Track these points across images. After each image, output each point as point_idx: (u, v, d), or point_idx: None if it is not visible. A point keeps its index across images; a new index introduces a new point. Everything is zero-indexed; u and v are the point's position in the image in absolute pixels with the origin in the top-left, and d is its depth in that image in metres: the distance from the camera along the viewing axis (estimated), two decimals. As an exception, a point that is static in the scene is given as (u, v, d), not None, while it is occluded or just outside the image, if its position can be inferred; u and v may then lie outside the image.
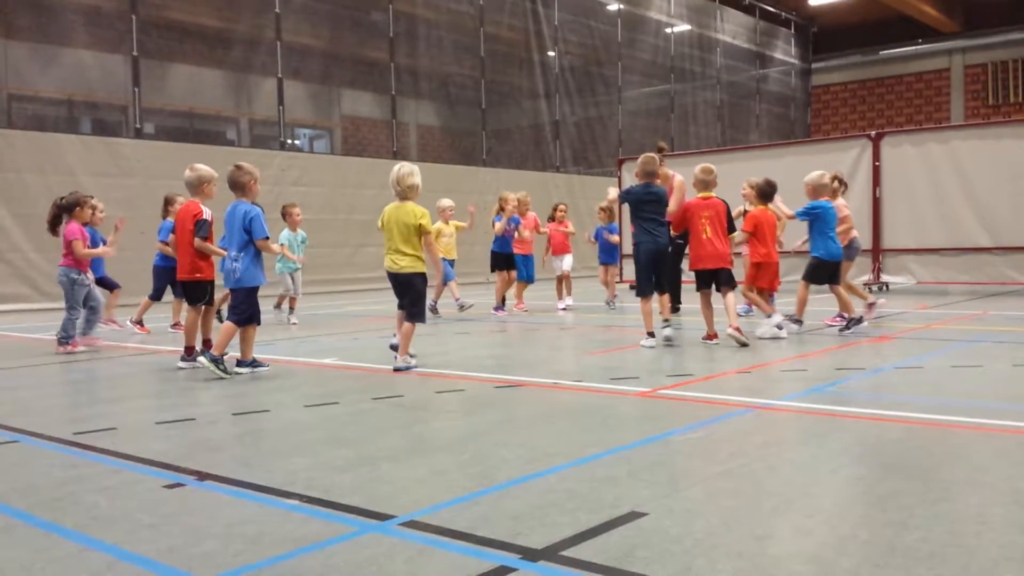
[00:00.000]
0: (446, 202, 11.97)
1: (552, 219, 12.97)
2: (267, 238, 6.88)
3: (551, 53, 23.10)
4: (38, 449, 4.45)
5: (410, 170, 6.82)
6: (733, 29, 29.83)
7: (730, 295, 8.03)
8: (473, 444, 4.26)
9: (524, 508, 3.20)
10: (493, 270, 12.19)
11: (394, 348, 6.96)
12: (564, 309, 12.12)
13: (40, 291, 13.84)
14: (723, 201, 8.21)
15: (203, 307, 7.31)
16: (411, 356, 6.84)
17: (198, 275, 7.17)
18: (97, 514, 3.29)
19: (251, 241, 6.79)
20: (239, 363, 6.78)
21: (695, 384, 5.87)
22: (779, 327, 8.16)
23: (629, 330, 9.79)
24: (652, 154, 8.19)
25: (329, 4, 18.70)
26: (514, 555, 2.74)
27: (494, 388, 5.87)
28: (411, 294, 6.79)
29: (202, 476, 3.79)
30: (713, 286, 8.09)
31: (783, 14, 31.97)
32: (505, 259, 11.95)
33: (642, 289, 7.98)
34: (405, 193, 6.77)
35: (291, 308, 11.18)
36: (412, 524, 3.06)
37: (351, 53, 19.64)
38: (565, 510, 3.16)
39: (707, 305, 8.06)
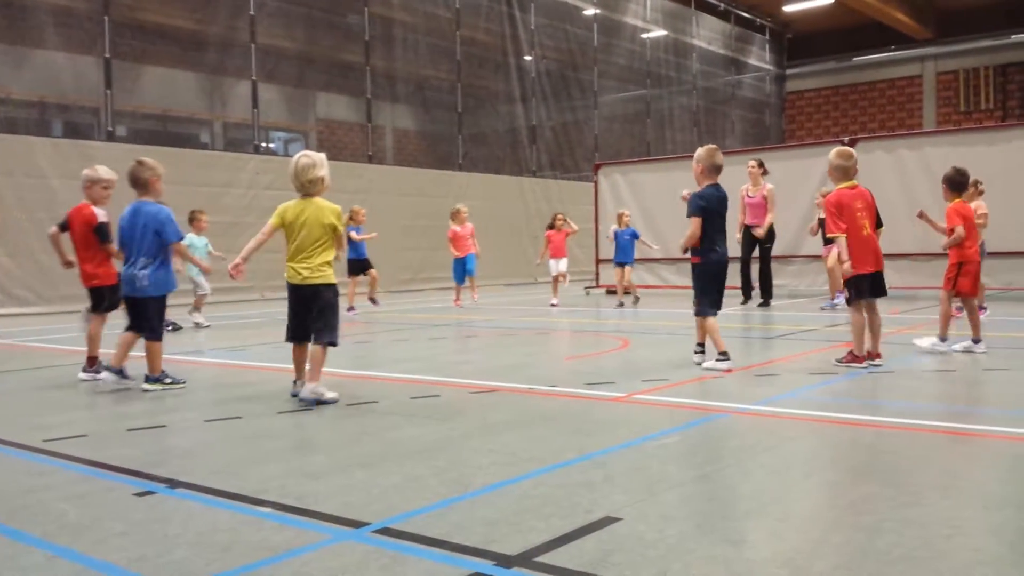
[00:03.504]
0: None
1: (552, 227, 14.31)
2: (182, 239, 6.47)
3: (527, 57, 23.13)
4: (3, 456, 4.38)
5: (311, 161, 5.65)
6: (708, 35, 30.02)
7: (877, 310, 6.83)
8: (448, 450, 4.24)
9: (499, 514, 3.19)
10: (350, 275, 13.09)
11: (298, 397, 5.63)
12: (555, 305, 13.46)
13: (10, 295, 13.64)
14: (869, 191, 7.03)
15: (104, 314, 6.84)
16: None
17: (95, 282, 6.76)
18: (65, 522, 3.24)
19: (162, 245, 6.25)
20: (148, 379, 6.26)
21: (671, 389, 5.89)
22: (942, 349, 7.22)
23: (605, 335, 9.81)
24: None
25: (304, 6, 18.61)
26: (488, 561, 2.73)
27: (469, 394, 5.86)
28: (322, 310, 5.62)
29: (173, 484, 3.74)
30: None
31: (758, 20, 32.23)
32: (360, 264, 13.13)
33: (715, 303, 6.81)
34: (307, 188, 5.63)
35: (197, 307, 11.40)
36: (386, 531, 3.04)
37: (326, 56, 19.56)
38: (540, 516, 3.16)
39: (864, 319, 6.69)
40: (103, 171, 6.88)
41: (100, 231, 6.71)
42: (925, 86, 32.15)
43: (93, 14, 15.36)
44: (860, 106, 33.69)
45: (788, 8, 30.84)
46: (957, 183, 7.49)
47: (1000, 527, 3.04)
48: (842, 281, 6.99)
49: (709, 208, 6.66)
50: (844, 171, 6.90)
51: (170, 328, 10.64)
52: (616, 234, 13.55)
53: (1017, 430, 4.54)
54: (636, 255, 13.81)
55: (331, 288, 5.67)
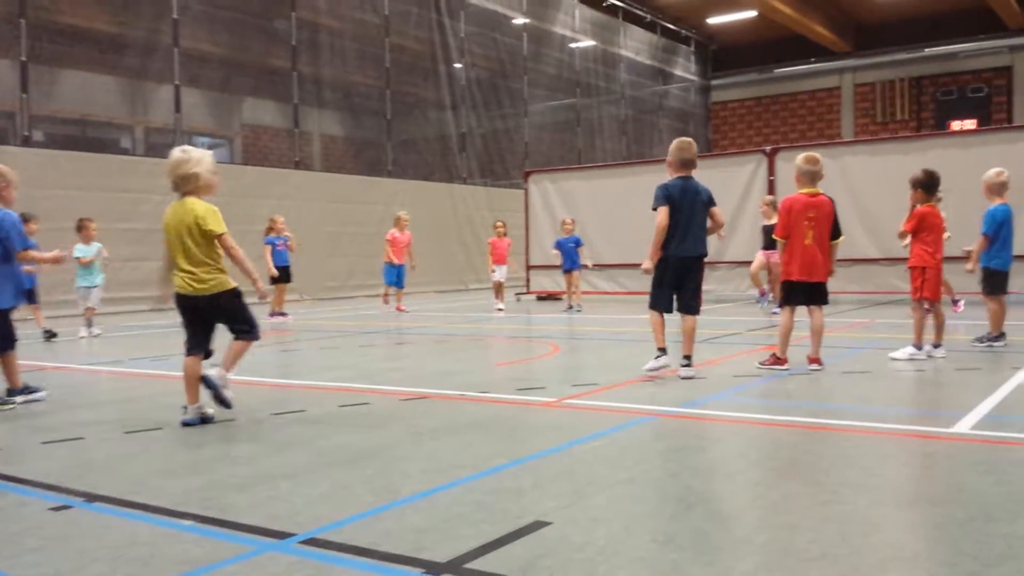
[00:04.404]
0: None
1: (496, 235, 14.65)
2: (30, 247, 6.08)
3: (457, 65, 23.13)
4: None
5: (186, 156, 5.15)
6: (636, 45, 30.47)
7: (820, 317, 6.88)
8: (377, 458, 4.20)
9: (429, 521, 3.17)
10: (273, 282, 13.23)
11: (195, 423, 5.14)
12: (501, 310, 13.95)
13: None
14: (831, 200, 6.92)
15: None
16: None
17: None
18: (-26, 541, 3.11)
19: (6, 254, 5.85)
20: (10, 392, 5.91)
21: (600, 393, 5.94)
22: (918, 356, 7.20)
23: (537, 341, 9.85)
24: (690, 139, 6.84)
25: (229, 11, 18.28)
26: (417, 569, 2.71)
27: (400, 401, 5.81)
28: (229, 316, 5.26)
29: (91, 497, 3.63)
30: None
31: (683, 32, 32.82)
32: (282, 272, 13.40)
33: (663, 299, 6.69)
34: (180, 185, 5.14)
35: (88, 320, 11.34)
36: (312, 542, 2.99)
37: (252, 61, 19.23)
38: (470, 522, 3.14)
39: (790, 324, 6.84)
40: None
41: None
42: (843, 97, 33.16)
43: (9, 16, 14.84)
44: (782, 116, 34.56)
45: (712, 20, 31.52)
46: (927, 184, 7.34)
47: (915, 524, 3.14)
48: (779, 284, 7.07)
49: (672, 197, 6.47)
50: (811, 176, 6.88)
51: (46, 338, 10.48)
52: (560, 242, 14.06)
53: (929, 428, 4.71)
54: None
55: (230, 293, 5.20)
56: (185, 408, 5.20)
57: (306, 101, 19.81)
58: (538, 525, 3.09)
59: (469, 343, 9.72)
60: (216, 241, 5.13)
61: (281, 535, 3.07)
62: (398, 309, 14.26)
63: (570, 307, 13.99)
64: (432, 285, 20.87)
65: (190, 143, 20.52)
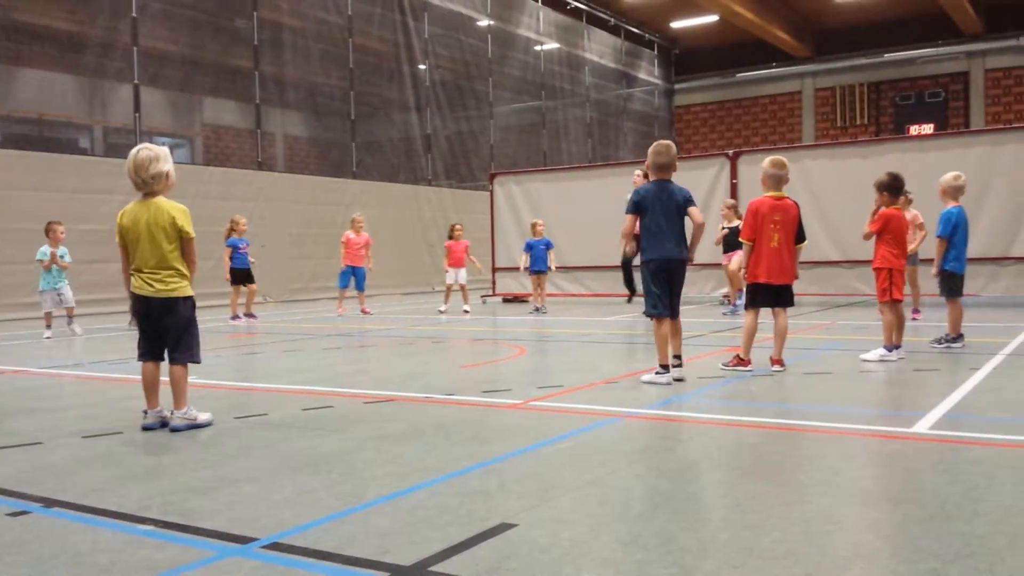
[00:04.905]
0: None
1: (451, 237, 14.63)
2: None
3: (422, 66, 23.07)
4: None
5: (153, 153, 5.03)
6: (600, 49, 30.61)
7: (784, 319, 7.00)
8: (341, 462, 4.17)
9: (393, 525, 3.15)
10: (233, 284, 13.39)
11: (154, 428, 5.05)
12: (443, 312, 14.03)
13: None
14: (796, 204, 7.08)
15: None
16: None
17: None
18: (-73, 549, 3.04)
19: None
20: None
21: (566, 395, 5.95)
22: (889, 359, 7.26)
23: (503, 343, 9.85)
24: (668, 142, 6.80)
25: (189, 9, 18.06)
26: (382, 573, 2.69)
27: (364, 404, 5.78)
28: (179, 325, 5.07)
29: (49, 503, 3.56)
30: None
31: (647, 36, 33.05)
32: (242, 274, 13.42)
33: (660, 304, 6.53)
34: (149, 185, 5.04)
35: (70, 318, 11.42)
36: (275, 546, 2.96)
37: (213, 60, 19.01)
38: (435, 525, 3.13)
39: (755, 326, 6.93)
40: None
41: None
42: (804, 102, 33.60)
43: (-37, 14, 14.56)
44: (744, 120, 34.94)
45: (675, 24, 31.77)
46: (892, 187, 7.46)
47: (876, 522, 3.18)
48: (744, 286, 7.14)
49: (644, 204, 6.43)
50: (777, 180, 6.97)
51: None
52: (531, 243, 14.22)
53: (890, 429, 4.78)
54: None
55: (187, 301, 5.09)
56: (145, 412, 5.12)
57: (269, 101, 19.63)
58: (504, 527, 3.09)
59: (434, 345, 9.69)
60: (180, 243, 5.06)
61: (244, 540, 3.03)
62: (363, 312, 14.13)
63: (536, 309, 14.03)
64: (398, 287, 20.79)
65: (151, 143, 20.30)
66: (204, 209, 16.60)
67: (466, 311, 14.05)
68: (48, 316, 11.24)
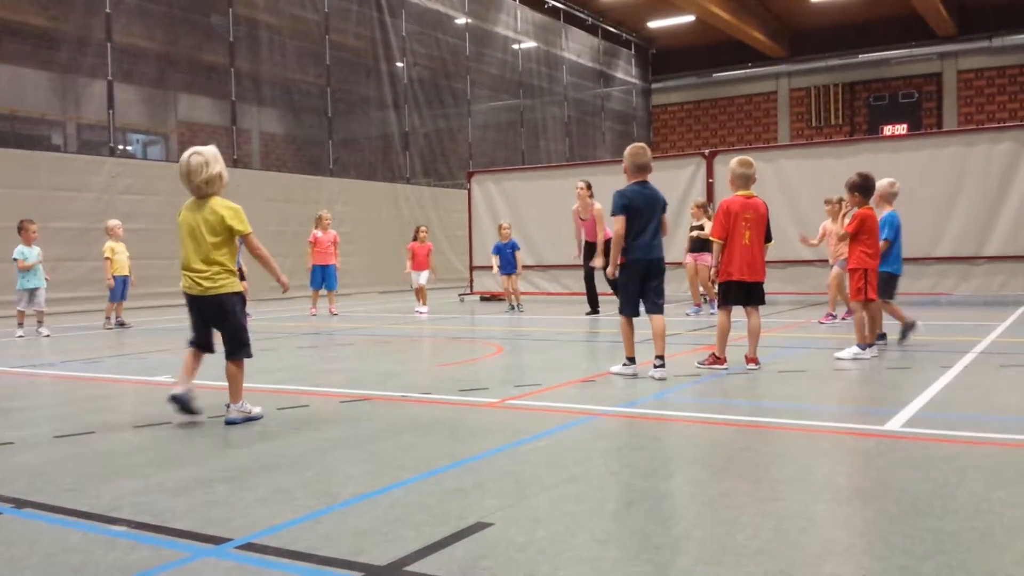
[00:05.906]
0: (113, 222, 12.69)
1: (416, 238, 14.52)
2: None
3: (399, 64, 22.99)
4: None
5: (204, 159, 5.11)
6: (578, 48, 30.65)
7: (757, 318, 7.05)
8: (317, 461, 4.15)
9: (369, 524, 3.14)
10: None
11: (178, 401, 5.16)
12: (423, 313, 13.86)
13: None
14: (765, 203, 7.15)
15: None
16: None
17: None
18: None
19: None
20: None
21: (542, 393, 5.95)
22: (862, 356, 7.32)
23: (480, 342, 9.85)
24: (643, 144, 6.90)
25: (164, 5, 17.87)
26: (357, 573, 2.68)
27: (340, 403, 5.76)
28: (229, 322, 5.23)
29: (20, 503, 3.51)
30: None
31: (624, 35, 33.12)
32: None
33: (633, 304, 6.73)
34: (203, 189, 5.16)
35: (39, 321, 11.28)
36: (250, 547, 2.94)
37: (188, 56, 18.83)
38: (411, 524, 3.13)
39: (728, 324, 6.98)
40: None
41: None
42: (780, 102, 33.82)
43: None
44: (720, 120, 35.12)
45: (652, 24, 31.88)
46: (863, 187, 7.58)
47: (849, 519, 3.21)
48: (716, 285, 7.20)
49: (633, 205, 6.52)
50: (745, 179, 7.02)
51: None
52: (498, 247, 14.34)
53: (863, 426, 4.82)
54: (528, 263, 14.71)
55: (236, 296, 5.24)
56: (177, 395, 5.15)
57: (244, 98, 19.49)
58: (480, 526, 3.09)
59: (411, 344, 9.67)
60: (240, 241, 5.24)
61: (218, 540, 3.01)
62: (330, 312, 13.95)
63: (512, 308, 14.07)
64: (374, 286, 20.71)
65: (125, 140, 20.11)
66: (178, 207, 16.46)
67: (420, 312, 13.92)
68: (21, 315, 11.13)
